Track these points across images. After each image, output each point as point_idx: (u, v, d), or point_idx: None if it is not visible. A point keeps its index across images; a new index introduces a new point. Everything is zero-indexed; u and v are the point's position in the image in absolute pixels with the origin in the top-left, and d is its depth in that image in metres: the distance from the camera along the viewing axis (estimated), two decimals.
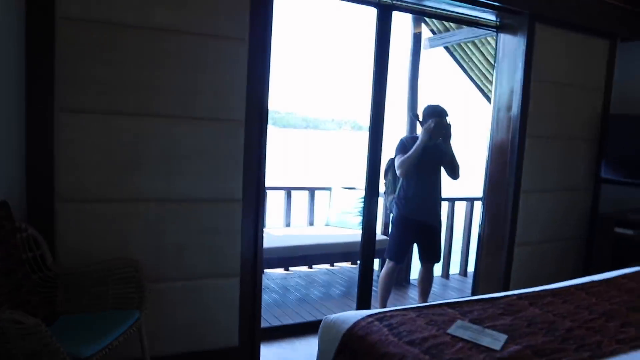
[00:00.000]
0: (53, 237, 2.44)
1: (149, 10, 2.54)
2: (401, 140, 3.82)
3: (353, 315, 2.19)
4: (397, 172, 3.75)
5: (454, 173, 3.80)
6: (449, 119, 3.68)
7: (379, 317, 2.14)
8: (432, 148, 3.67)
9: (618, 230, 4.00)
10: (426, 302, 3.94)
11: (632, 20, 4.08)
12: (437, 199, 3.90)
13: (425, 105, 3.80)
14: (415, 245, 4.02)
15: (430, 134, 3.60)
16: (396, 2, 3.48)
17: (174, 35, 2.61)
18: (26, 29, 2.31)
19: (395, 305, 4.12)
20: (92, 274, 2.39)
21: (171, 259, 2.74)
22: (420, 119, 3.74)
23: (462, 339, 1.96)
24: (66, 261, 2.46)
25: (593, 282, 2.83)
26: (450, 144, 3.73)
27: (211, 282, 2.86)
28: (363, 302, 3.69)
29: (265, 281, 4.82)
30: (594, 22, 3.96)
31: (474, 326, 2.08)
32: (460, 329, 2.04)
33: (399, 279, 4.94)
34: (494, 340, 1.96)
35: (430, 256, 3.98)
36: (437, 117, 3.63)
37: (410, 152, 3.63)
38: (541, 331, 2.10)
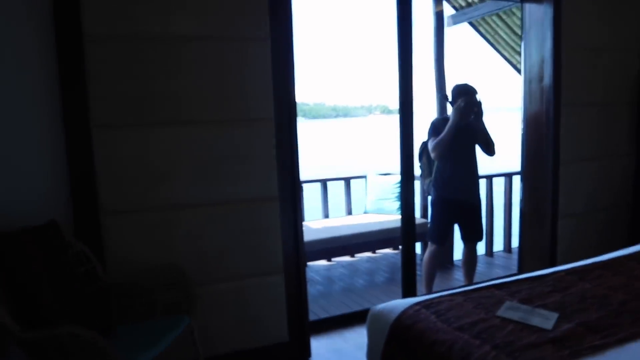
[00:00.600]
0: (102, 250, 2.52)
1: (170, 19, 2.57)
2: (432, 122, 3.78)
3: (400, 304, 2.19)
4: (432, 155, 3.72)
5: (489, 150, 3.74)
6: (478, 97, 3.62)
7: (426, 304, 2.13)
8: (464, 127, 3.62)
9: None
10: (472, 282, 3.91)
11: None
12: (474, 177, 3.85)
13: (454, 85, 3.75)
14: (456, 226, 3.99)
15: (461, 113, 3.55)
16: None
17: (197, 42, 2.64)
18: (57, 51, 2.36)
19: (441, 289, 4.11)
20: (141, 283, 2.45)
21: (214, 262, 2.79)
22: (450, 99, 3.70)
23: (512, 321, 1.94)
24: (116, 272, 2.53)
25: None
26: (482, 121, 3.68)
27: (256, 280, 2.90)
28: (408, 288, 3.67)
29: (309, 274, 4.85)
30: None
31: (524, 306, 2.05)
32: (510, 310, 2.02)
33: (442, 261, 4.91)
34: (545, 319, 1.93)
35: (472, 235, 3.94)
36: (466, 95, 3.58)
37: (442, 134, 3.59)
38: (593, 306, 2.06)
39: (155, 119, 2.60)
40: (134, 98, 2.55)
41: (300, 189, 5.20)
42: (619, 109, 4.05)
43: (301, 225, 3.05)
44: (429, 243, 3.96)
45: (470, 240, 3.96)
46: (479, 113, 3.62)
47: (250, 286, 2.89)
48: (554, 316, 1.95)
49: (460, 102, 3.56)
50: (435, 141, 3.64)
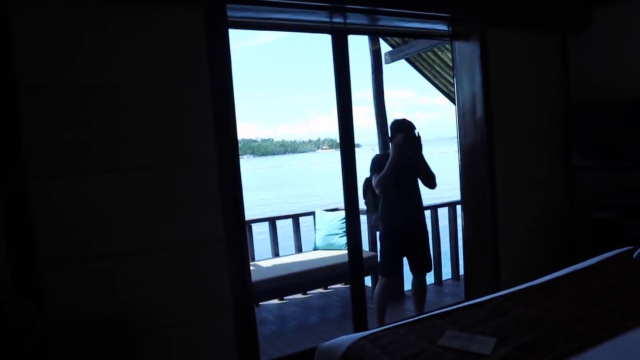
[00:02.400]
0: (41, 302, 2.44)
1: (108, 67, 2.58)
2: (373, 158, 3.90)
3: (345, 340, 2.22)
4: (376, 191, 3.82)
5: (429, 183, 3.89)
6: (416, 131, 3.77)
7: (371, 338, 2.17)
8: (405, 161, 3.75)
9: (597, 214, 4.10)
10: (422, 312, 3.98)
11: (578, 12, 4.22)
12: (418, 209, 3.97)
13: (392, 121, 3.89)
14: (405, 258, 4.08)
15: (400, 149, 3.69)
16: (350, 26, 3.57)
17: (136, 89, 2.65)
18: None
19: (393, 320, 4.17)
20: (84, 336, 2.39)
21: (161, 308, 2.74)
22: (390, 134, 3.83)
23: (452, 349, 2.00)
24: (57, 326, 2.45)
25: (577, 271, 2.90)
26: (422, 156, 3.82)
27: (204, 324, 2.86)
28: (359, 322, 3.70)
29: (261, 314, 4.82)
30: (542, 19, 4.10)
31: (463, 334, 2.12)
32: (450, 338, 2.08)
33: (394, 293, 4.97)
34: (484, 345, 2.00)
35: (421, 266, 4.04)
36: (404, 131, 3.72)
37: (384, 170, 3.71)
38: (529, 329, 2.15)
39: (96, 167, 2.58)
40: (73, 146, 2.52)
41: (248, 229, 5.22)
42: (549, 136, 4.30)
43: (249, 266, 3.05)
44: (380, 276, 4.03)
45: (419, 271, 4.06)
46: (417, 147, 3.76)
47: (199, 331, 2.85)
48: (492, 341, 2.03)
49: (398, 137, 3.69)
50: (377, 178, 3.75)
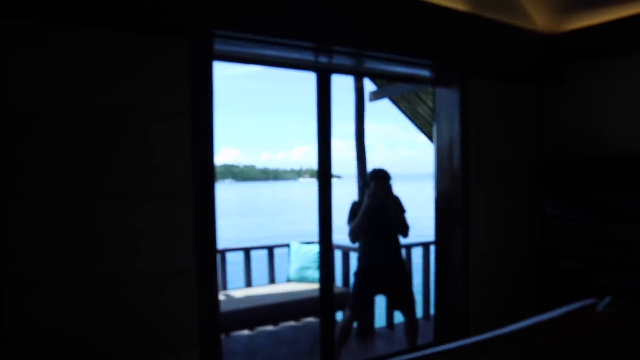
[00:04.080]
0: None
1: (77, 90, 2.55)
2: (351, 205, 4.02)
3: None
4: (349, 239, 3.93)
5: (402, 233, 4.03)
6: (391, 182, 3.93)
7: None
8: (379, 208, 3.84)
9: (565, 264, 4.20)
10: (413, 346, 4.12)
11: (554, 66, 4.39)
12: (395, 250, 4.04)
13: (371, 169, 4.02)
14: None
15: (372, 197, 3.80)
16: (334, 66, 3.66)
17: (113, 114, 2.63)
18: None
19: (362, 358, 4.21)
20: None
21: (126, 340, 2.69)
22: (367, 181, 3.95)
23: None
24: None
25: (542, 322, 2.94)
26: (398, 207, 3.92)
27: (169, 357, 2.83)
28: (327, 357, 3.70)
29: (230, 345, 4.78)
30: (519, 71, 4.26)
31: None
32: None
33: (363, 331, 4.98)
34: None
35: (398, 304, 4.13)
36: (378, 180, 3.85)
37: (357, 219, 3.84)
38: None
39: (57, 192, 2.51)
40: (28, 170, 2.44)
41: (222, 258, 5.21)
42: (522, 184, 4.41)
43: (217, 298, 3.01)
44: (347, 311, 4.06)
45: (398, 308, 4.19)
46: (388, 197, 3.88)
47: None
48: None
49: (372, 186, 3.82)
50: (351, 226, 3.91)
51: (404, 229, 3.98)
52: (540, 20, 4.23)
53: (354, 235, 3.92)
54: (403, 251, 4.21)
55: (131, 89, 2.68)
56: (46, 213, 2.50)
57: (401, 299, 4.11)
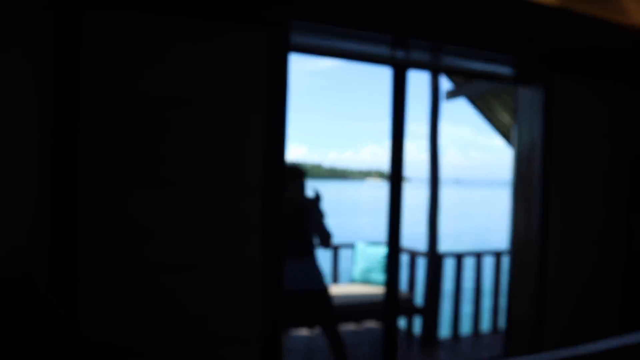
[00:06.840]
0: (76, 306, 2.45)
1: (162, 81, 2.61)
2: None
3: None
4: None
5: (324, 242, 3.97)
6: (316, 192, 3.84)
7: None
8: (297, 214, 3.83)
9: None
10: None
11: None
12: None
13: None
14: None
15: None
16: (411, 61, 3.51)
17: (184, 106, 2.66)
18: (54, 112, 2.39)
19: None
20: (115, 344, 2.36)
21: (192, 328, 2.69)
22: None
23: None
24: (89, 331, 2.45)
25: (630, 345, 2.68)
26: (318, 214, 3.86)
27: (233, 349, 2.79)
28: None
29: (289, 344, 4.72)
30: (612, 69, 3.93)
31: None
32: None
33: (427, 341, 4.80)
34: None
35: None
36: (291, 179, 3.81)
37: None
38: None
39: (143, 179, 2.59)
40: (122, 156, 2.54)
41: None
42: (607, 193, 4.06)
43: (282, 294, 2.97)
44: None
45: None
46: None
47: (226, 355, 2.79)
48: None
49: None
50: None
51: (328, 238, 3.83)
52: (638, 14, 3.88)
53: None
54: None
55: (214, 81, 2.70)
56: (138, 199, 2.59)
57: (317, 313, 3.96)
